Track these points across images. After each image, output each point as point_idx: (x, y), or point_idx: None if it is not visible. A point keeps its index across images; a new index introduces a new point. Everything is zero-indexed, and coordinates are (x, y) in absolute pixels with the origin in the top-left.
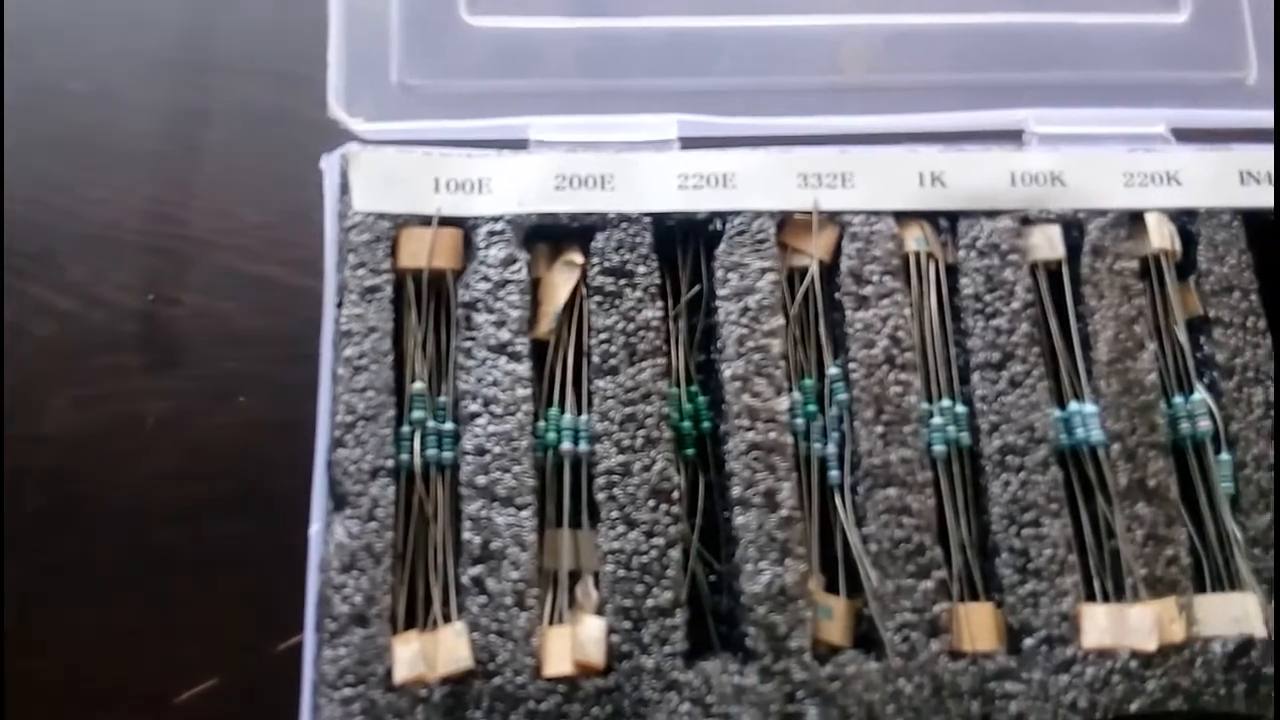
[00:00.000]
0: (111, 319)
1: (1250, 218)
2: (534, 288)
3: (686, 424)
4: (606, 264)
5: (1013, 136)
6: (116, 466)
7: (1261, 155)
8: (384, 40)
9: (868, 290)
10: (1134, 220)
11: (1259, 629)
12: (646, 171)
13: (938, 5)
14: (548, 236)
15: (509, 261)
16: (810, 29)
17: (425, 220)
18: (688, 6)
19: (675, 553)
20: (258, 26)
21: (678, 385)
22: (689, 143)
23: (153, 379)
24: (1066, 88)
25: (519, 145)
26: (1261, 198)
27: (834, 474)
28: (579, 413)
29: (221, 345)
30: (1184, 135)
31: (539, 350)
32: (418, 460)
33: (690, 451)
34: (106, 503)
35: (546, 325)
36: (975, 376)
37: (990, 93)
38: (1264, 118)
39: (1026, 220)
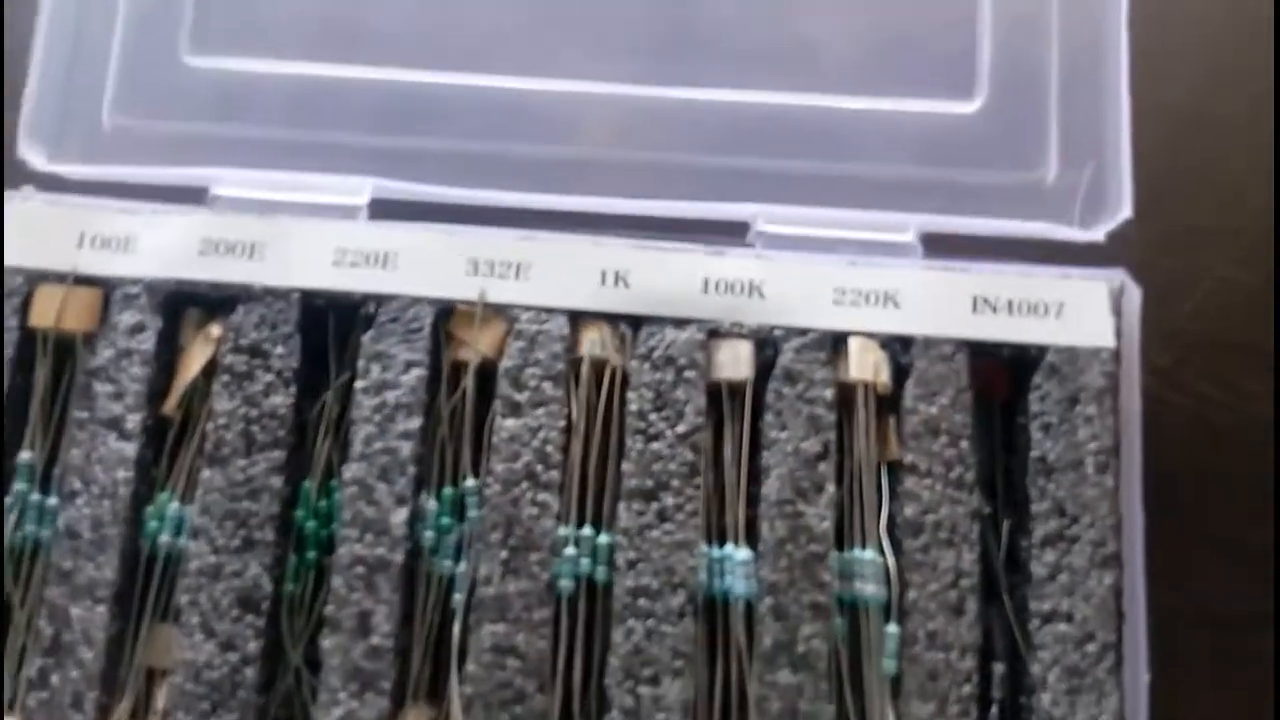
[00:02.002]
0: None
1: (979, 351)
2: (175, 359)
3: (313, 524)
4: (242, 341)
5: (740, 230)
6: None
7: (1003, 281)
8: (100, 79)
9: (523, 396)
10: (839, 344)
11: None
12: (301, 242)
13: (692, 78)
14: (196, 305)
15: (137, 329)
16: (547, 94)
17: (64, 278)
18: (425, 59)
19: (252, 671)
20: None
21: (313, 480)
22: (381, 209)
23: None
24: (821, 180)
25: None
26: (995, 329)
27: (458, 597)
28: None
29: None
30: (940, 244)
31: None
32: (10, 536)
33: (313, 555)
34: None
35: (172, 402)
36: (621, 506)
37: (729, 180)
38: (1048, 229)
39: (715, 333)
